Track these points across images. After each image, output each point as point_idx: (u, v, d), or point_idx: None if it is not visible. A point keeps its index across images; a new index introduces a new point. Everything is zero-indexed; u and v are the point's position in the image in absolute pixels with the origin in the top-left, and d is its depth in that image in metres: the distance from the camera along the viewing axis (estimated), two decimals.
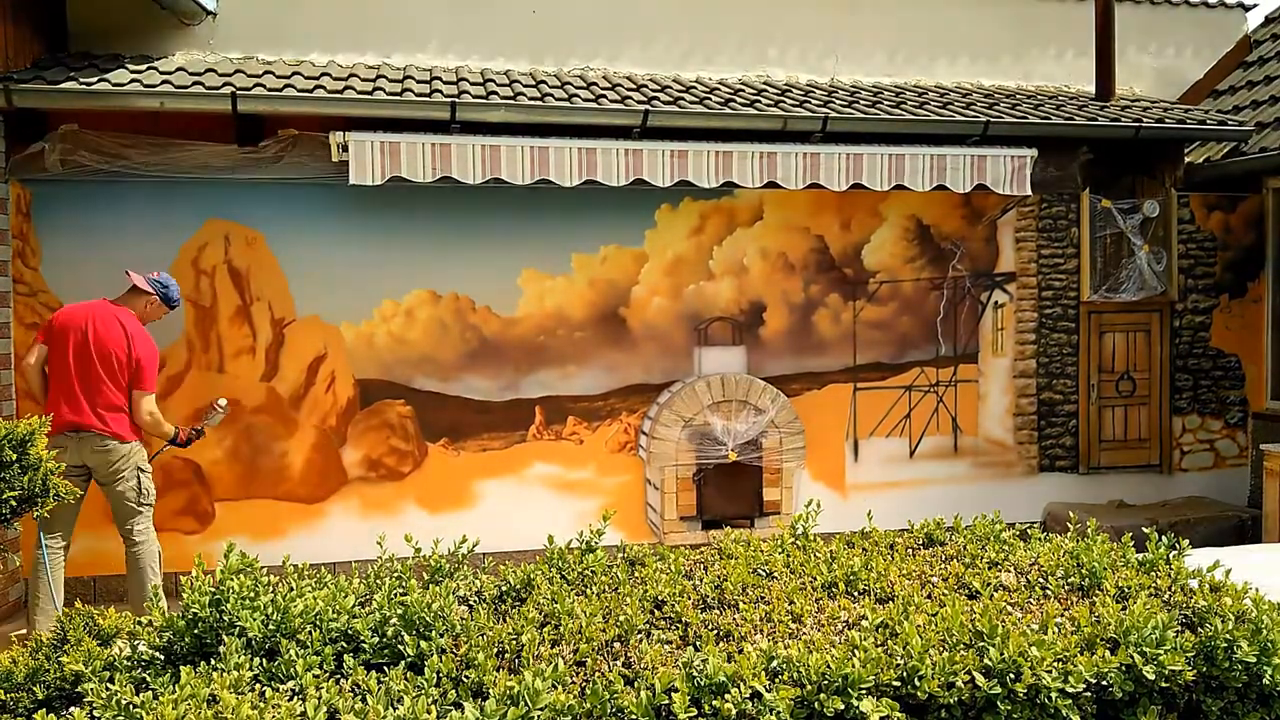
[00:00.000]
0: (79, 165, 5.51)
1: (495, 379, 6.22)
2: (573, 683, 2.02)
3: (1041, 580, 2.60)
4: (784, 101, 6.20)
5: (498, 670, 2.05)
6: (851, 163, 6.02)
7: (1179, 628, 2.24)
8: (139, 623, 2.40)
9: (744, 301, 6.54)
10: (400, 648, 2.16)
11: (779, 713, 1.89)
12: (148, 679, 2.09)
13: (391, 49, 6.49)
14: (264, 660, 2.11)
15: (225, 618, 2.20)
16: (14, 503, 3.25)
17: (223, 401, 5.31)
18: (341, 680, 2.06)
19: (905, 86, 7.12)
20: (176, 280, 5.25)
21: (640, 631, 2.27)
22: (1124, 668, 2.08)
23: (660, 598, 2.47)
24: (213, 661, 2.09)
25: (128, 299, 5.02)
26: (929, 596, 2.50)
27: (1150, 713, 2.09)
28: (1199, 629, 2.25)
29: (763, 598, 2.48)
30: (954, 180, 6.16)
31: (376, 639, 2.21)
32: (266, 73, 5.73)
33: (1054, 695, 2.00)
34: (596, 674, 2.07)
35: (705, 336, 6.50)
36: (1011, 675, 2.02)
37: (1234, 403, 7.26)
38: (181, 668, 2.03)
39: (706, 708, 1.91)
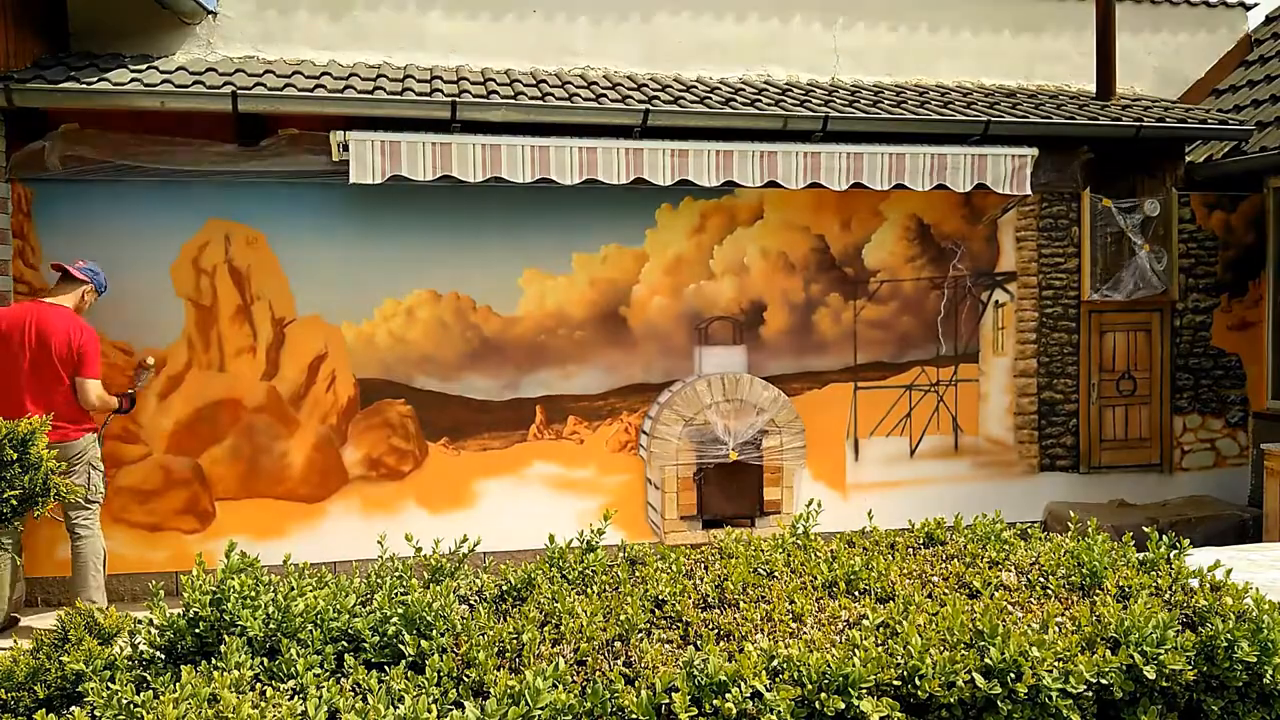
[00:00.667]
0: (80, 165, 5.51)
1: (496, 378, 6.22)
2: (573, 682, 2.02)
3: (1042, 580, 2.60)
4: (784, 101, 6.20)
5: (498, 669, 2.05)
6: (852, 162, 6.02)
7: (1179, 627, 2.24)
8: (139, 621, 2.40)
9: (744, 301, 6.54)
10: (401, 647, 2.16)
11: (779, 712, 1.89)
12: (148, 678, 2.09)
13: (392, 48, 6.48)
14: (265, 659, 2.12)
15: (226, 617, 2.20)
16: (14, 502, 3.26)
17: (150, 360, 5.44)
18: (342, 679, 2.06)
19: (906, 86, 7.12)
20: (177, 280, 5.27)
21: (641, 631, 2.27)
22: (1124, 668, 2.08)
23: (661, 597, 2.47)
24: (213, 661, 2.09)
25: (62, 292, 5.10)
26: (929, 596, 2.50)
27: (1151, 713, 2.09)
28: (1199, 628, 2.25)
29: (763, 597, 2.48)
30: (954, 179, 6.16)
31: (377, 638, 2.21)
32: (267, 72, 5.73)
33: (1054, 695, 2.00)
34: (597, 673, 2.07)
35: (706, 336, 6.50)
36: (1012, 675, 2.02)
37: (1234, 402, 7.26)
38: (182, 667, 2.03)
39: (707, 707, 1.91)
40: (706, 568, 2.77)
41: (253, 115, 5.51)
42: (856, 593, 2.55)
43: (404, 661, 2.11)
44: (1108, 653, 2.10)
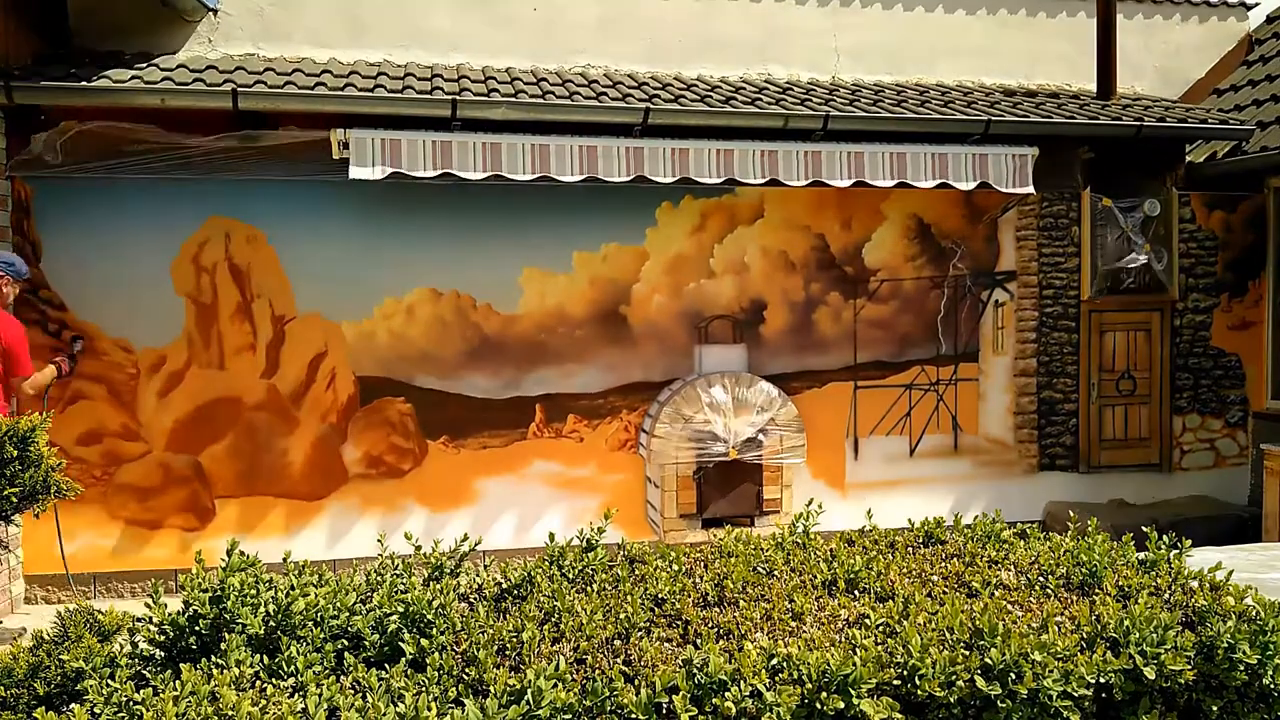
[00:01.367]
0: (80, 162, 5.51)
1: (496, 377, 6.22)
2: (573, 680, 2.02)
3: (1041, 579, 2.60)
4: (785, 99, 6.20)
5: (499, 668, 2.05)
6: (853, 161, 6.01)
7: (1179, 627, 2.24)
8: (138, 619, 2.40)
9: (745, 300, 6.54)
10: (401, 645, 2.16)
11: (779, 712, 1.89)
12: (148, 676, 2.09)
13: (393, 46, 6.48)
14: (265, 657, 2.12)
15: (226, 615, 2.20)
16: (14, 499, 3.26)
17: (79, 339, 5.57)
18: (342, 677, 2.06)
19: (906, 85, 7.12)
20: (177, 278, 5.25)
21: (641, 629, 2.27)
22: (1124, 671, 2.08)
23: (660, 595, 2.47)
24: (213, 658, 2.09)
25: None
26: (929, 595, 2.50)
27: (1151, 714, 2.09)
28: (1199, 628, 2.25)
29: (763, 596, 2.48)
30: (956, 178, 6.15)
31: (377, 636, 2.21)
32: (268, 69, 5.72)
33: (1054, 696, 2.00)
34: (597, 671, 2.07)
35: (706, 335, 6.50)
36: (1013, 676, 2.02)
37: (1234, 402, 7.26)
38: (182, 665, 2.03)
39: (707, 706, 1.91)
40: (706, 566, 2.77)
41: (253, 113, 5.50)
42: (856, 592, 2.55)
43: (404, 659, 2.11)
44: (1108, 653, 2.10)
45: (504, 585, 2.59)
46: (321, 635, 2.19)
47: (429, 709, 1.84)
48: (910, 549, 2.97)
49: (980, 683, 1.99)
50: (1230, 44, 7.86)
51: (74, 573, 5.58)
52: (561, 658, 2.04)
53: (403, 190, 5.93)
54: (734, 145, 5.87)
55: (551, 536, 2.90)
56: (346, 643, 2.20)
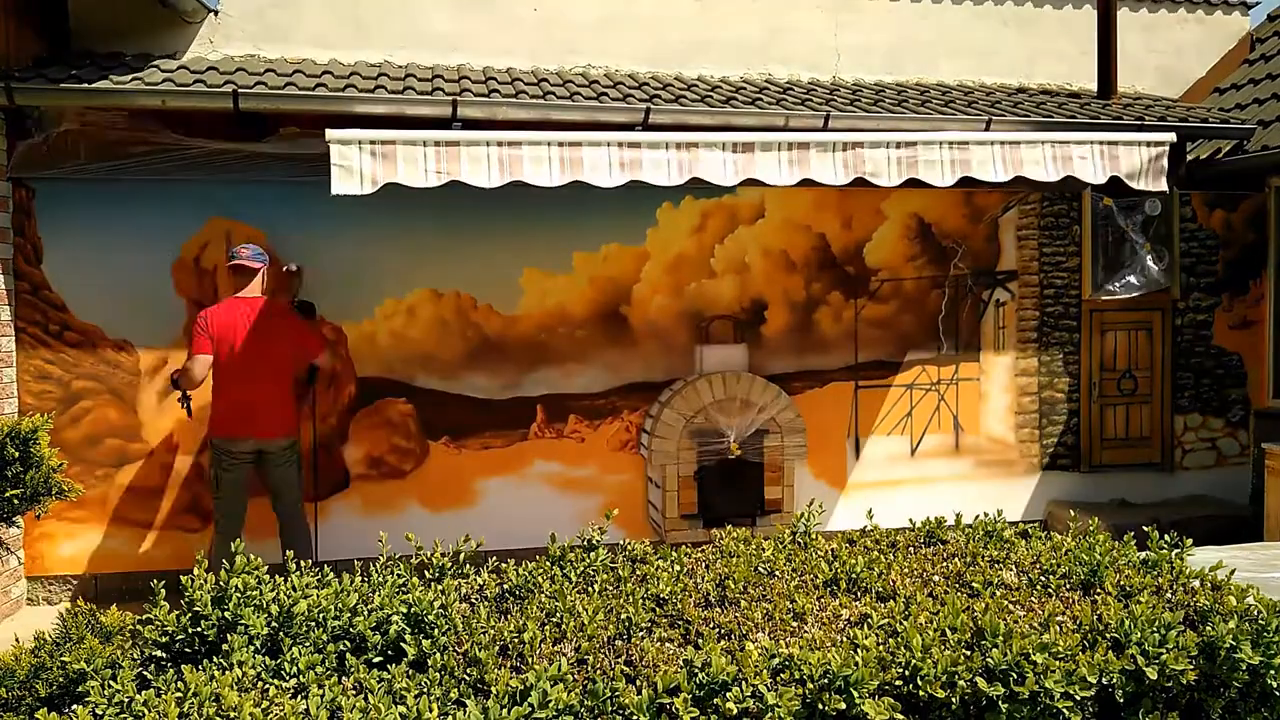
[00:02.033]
0: (81, 163, 5.51)
1: (496, 377, 6.22)
2: (574, 680, 2.02)
3: (1043, 579, 2.60)
4: (785, 99, 6.19)
5: (500, 668, 2.05)
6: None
7: (1181, 627, 2.24)
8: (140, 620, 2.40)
9: (745, 299, 6.54)
10: (403, 646, 2.16)
11: (781, 712, 1.89)
12: (150, 677, 2.10)
13: (394, 47, 6.48)
14: (267, 658, 2.12)
15: (228, 616, 2.20)
16: (15, 500, 3.26)
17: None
18: (344, 678, 2.06)
19: (906, 85, 7.11)
20: (178, 278, 5.25)
21: (642, 629, 2.27)
22: (1126, 671, 2.07)
23: (662, 596, 2.47)
24: (216, 659, 2.10)
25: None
26: (931, 595, 2.50)
27: (1153, 715, 2.09)
28: (1200, 628, 2.25)
29: (764, 596, 2.48)
30: (1082, 172, 5.63)
31: (379, 637, 2.21)
32: (268, 71, 5.72)
33: (1056, 696, 2.00)
34: (599, 672, 2.07)
35: (707, 335, 6.50)
36: (1014, 677, 2.02)
37: (1235, 401, 7.25)
38: (184, 666, 2.03)
39: (708, 706, 1.91)
40: (708, 566, 2.77)
41: (254, 114, 5.50)
42: (857, 591, 2.55)
43: (406, 660, 2.11)
44: (1110, 654, 2.10)
45: (505, 586, 2.60)
46: (323, 636, 2.19)
47: (431, 709, 1.85)
48: (912, 549, 2.97)
49: (982, 684, 1.99)
50: (1231, 43, 7.85)
51: (74, 573, 5.58)
52: (563, 658, 2.04)
53: (403, 190, 5.91)
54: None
55: (553, 537, 2.89)
56: (348, 644, 2.21)
